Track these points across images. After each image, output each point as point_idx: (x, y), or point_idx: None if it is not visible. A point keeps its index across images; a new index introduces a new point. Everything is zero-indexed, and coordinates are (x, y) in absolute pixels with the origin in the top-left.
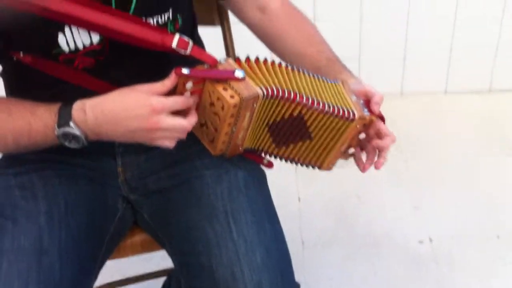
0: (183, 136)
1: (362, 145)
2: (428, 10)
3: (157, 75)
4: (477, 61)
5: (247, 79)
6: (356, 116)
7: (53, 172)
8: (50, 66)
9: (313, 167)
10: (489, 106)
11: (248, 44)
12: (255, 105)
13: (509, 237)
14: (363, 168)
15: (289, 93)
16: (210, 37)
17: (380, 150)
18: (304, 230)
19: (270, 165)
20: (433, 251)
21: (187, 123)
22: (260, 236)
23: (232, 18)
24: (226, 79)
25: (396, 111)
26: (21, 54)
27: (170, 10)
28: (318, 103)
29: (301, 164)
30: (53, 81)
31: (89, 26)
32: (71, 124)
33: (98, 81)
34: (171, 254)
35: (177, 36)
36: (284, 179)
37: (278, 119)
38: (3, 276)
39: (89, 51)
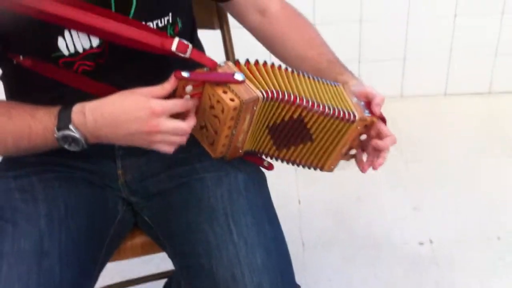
0: (183, 140)
1: (363, 146)
2: (427, 11)
3: (156, 78)
4: (477, 63)
5: (247, 82)
6: (357, 117)
7: (53, 174)
8: (50, 70)
9: (314, 168)
10: (489, 107)
11: (247, 48)
12: (255, 108)
13: (510, 239)
14: (362, 169)
15: (289, 96)
16: (210, 40)
17: (380, 151)
18: (304, 231)
19: (270, 167)
20: (434, 252)
21: (187, 125)
22: (260, 238)
23: (232, 22)
24: (226, 82)
25: (396, 113)
26: (21, 58)
27: (170, 14)
28: (319, 105)
29: (303, 166)
30: (53, 84)
31: (88, 30)
32: (71, 127)
33: (98, 84)
34: (172, 256)
35: (176, 39)
36: (284, 181)
37: (279, 121)
38: (3, 279)
39: (88, 54)
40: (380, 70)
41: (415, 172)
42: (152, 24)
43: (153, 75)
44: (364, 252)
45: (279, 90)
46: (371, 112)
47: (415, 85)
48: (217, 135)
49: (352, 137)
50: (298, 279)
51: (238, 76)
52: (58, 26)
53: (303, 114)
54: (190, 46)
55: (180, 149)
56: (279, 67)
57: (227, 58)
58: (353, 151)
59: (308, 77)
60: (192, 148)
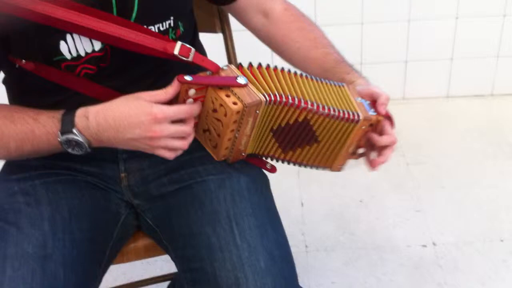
0: (185, 145)
1: (371, 145)
2: (429, 13)
3: (159, 82)
4: (479, 65)
5: (250, 85)
6: (361, 117)
7: (56, 178)
8: (52, 73)
9: (322, 168)
10: (492, 110)
11: (249, 51)
12: (257, 111)
13: None
14: (370, 166)
15: (293, 99)
16: (212, 43)
17: (379, 148)
18: (307, 234)
19: (273, 169)
20: (437, 255)
21: (188, 127)
22: (264, 241)
23: (234, 25)
24: (229, 85)
25: (398, 116)
26: (23, 61)
27: (172, 18)
28: (324, 108)
29: (310, 167)
30: (56, 88)
31: (90, 34)
32: (74, 131)
33: (100, 88)
34: (174, 259)
35: (179, 43)
36: (287, 183)
37: (283, 124)
38: (7, 282)
39: (91, 58)
40: (382, 73)
41: (417, 174)
42: (153, 28)
43: (155, 79)
44: (367, 255)
45: (282, 94)
46: (376, 111)
47: (417, 87)
48: (220, 138)
49: (358, 136)
50: (301, 282)
51: (241, 80)
52: (60, 30)
53: (308, 117)
54: (193, 49)
55: (183, 152)
56: (282, 69)
57: (229, 61)
58: (361, 150)
59: (312, 79)
60: (195, 151)
